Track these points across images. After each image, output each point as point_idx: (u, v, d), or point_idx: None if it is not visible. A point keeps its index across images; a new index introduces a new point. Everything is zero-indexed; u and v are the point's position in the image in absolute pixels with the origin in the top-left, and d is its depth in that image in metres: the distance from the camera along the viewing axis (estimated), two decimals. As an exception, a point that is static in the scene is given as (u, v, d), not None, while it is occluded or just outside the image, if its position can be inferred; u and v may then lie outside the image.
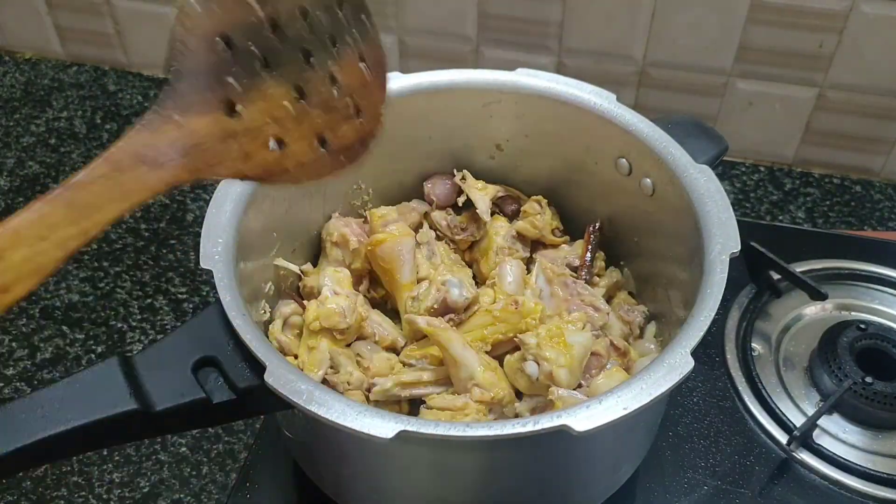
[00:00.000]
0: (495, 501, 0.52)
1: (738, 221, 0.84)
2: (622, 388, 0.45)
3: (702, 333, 0.47)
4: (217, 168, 0.40)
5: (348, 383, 0.56)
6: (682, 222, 0.56)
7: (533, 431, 0.43)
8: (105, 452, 0.75)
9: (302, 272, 0.63)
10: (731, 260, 0.51)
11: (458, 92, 0.64)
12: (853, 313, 0.74)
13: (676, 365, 0.45)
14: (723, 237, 0.52)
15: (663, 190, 0.59)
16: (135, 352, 0.67)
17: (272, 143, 0.41)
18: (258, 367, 0.46)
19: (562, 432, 0.43)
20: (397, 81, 0.62)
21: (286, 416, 0.56)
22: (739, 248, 0.51)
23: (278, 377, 0.45)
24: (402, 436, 0.42)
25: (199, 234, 0.53)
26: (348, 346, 0.59)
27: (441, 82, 0.64)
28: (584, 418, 0.43)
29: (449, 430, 0.43)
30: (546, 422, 0.43)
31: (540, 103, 0.63)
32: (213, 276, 0.49)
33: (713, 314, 0.48)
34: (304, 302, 0.60)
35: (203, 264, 0.50)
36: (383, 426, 0.43)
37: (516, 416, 0.54)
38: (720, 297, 0.49)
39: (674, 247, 0.58)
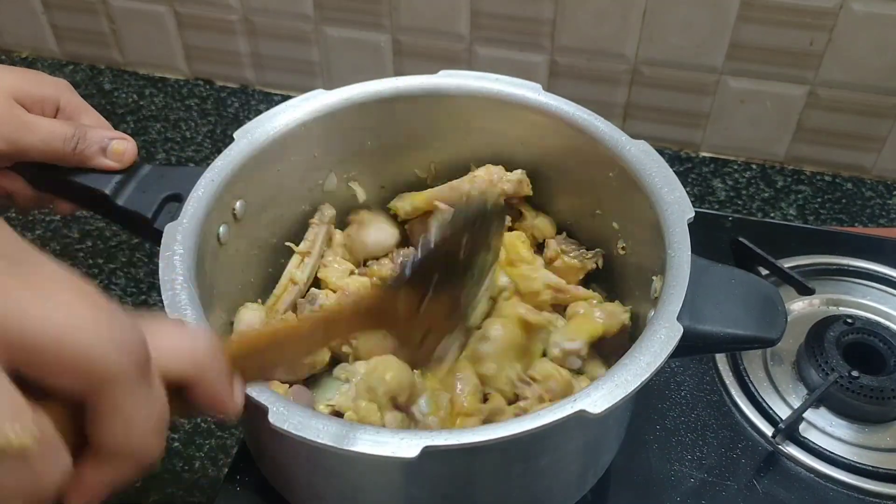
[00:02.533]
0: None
1: (730, 218, 0.86)
2: (622, 366, 0.45)
3: (681, 298, 0.48)
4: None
5: None
6: (634, 197, 0.57)
7: (551, 423, 0.43)
8: (98, 447, 0.76)
9: None
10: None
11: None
12: (840, 308, 0.75)
13: (667, 334, 0.47)
14: (676, 205, 0.54)
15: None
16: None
17: None
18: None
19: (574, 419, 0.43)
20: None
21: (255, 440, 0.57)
22: (693, 213, 0.53)
23: (281, 416, 0.44)
24: (427, 451, 0.41)
25: None
26: None
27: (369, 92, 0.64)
28: (598, 400, 0.44)
29: (473, 438, 0.42)
30: (561, 411, 0.43)
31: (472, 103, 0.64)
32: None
33: (686, 280, 0.49)
34: None
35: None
36: (406, 445, 0.42)
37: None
38: (689, 260, 0.50)
39: (633, 222, 0.59)
